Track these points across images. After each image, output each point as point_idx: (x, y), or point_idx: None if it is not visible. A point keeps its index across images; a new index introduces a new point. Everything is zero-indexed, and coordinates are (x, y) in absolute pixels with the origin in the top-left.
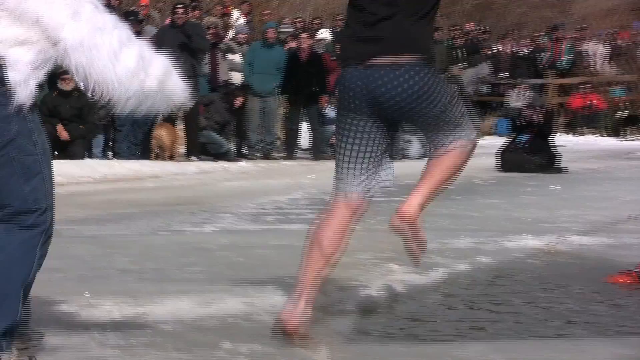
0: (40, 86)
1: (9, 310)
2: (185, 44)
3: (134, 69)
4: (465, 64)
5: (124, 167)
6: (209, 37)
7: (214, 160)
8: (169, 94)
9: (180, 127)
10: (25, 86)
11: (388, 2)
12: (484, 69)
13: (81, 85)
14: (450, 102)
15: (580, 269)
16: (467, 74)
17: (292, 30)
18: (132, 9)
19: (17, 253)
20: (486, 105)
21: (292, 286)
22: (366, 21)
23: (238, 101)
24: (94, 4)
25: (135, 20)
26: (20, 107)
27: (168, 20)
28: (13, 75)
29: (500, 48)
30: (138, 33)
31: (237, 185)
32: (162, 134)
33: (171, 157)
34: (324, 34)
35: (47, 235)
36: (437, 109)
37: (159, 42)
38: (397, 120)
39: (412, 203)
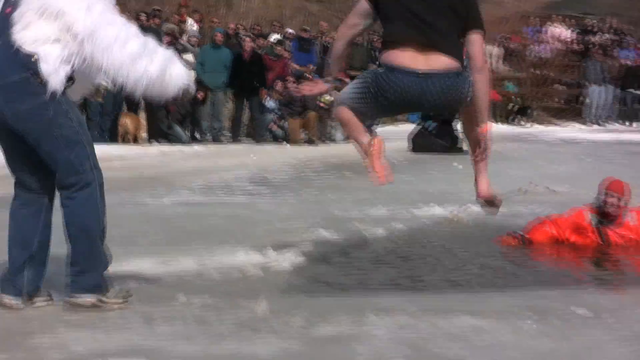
0: (69, 77)
1: (100, 257)
2: None
3: (137, 54)
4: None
5: (96, 150)
6: (164, 40)
7: (172, 144)
8: (171, 81)
9: (143, 115)
10: (56, 76)
11: None
12: None
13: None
14: None
15: (480, 233)
16: None
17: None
18: None
19: (84, 211)
20: None
21: (238, 249)
22: None
23: (200, 95)
24: (105, 3)
25: None
26: (53, 94)
27: None
28: (45, 68)
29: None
30: None
31: (191, 164)
32: (126, 121)
33: (135, 141)
34: (275, 37)
35: (100, 185)
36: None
37: None
38: None
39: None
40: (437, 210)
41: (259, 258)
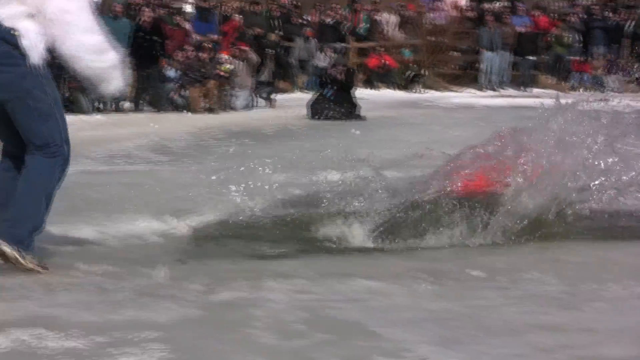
0: (49, 50)
1: (35, 218)
2: None
3: (92, 49)
4: (280, 31)
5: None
6: None
7: (74, 114)
8: (109, 84)
9: None
10: (35, 50)
11: None
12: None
13: None
14: None
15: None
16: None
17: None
18: None
19: (40, 171)
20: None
21: (138, 217)
22: None
23: None
24: None
25: None
26: (33, 66)
27: None
28: (25, 42)
29: (310, 18)
30: None
31: (93, 134)
32: None
33: None
34: (187, 8)
35: (66, 163)
36: None
37: None
38: None
39: None
40: (335, 176)
41: (159, 225)
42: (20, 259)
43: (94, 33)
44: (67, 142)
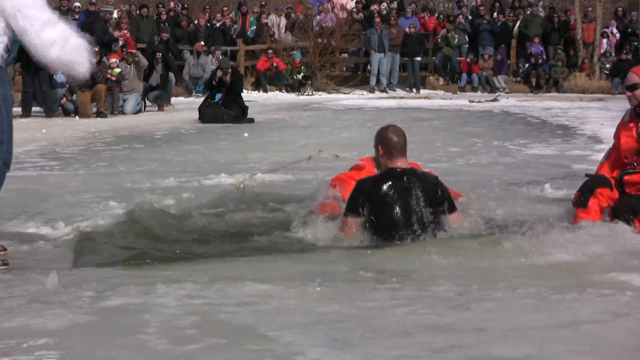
0: (7, 50)
1: None
2: None
3: (55, 40)
4: (168, 35)
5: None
6: None
7: None
8: (75, 66)
9: None
10: None
11: None
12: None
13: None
14: None
15: (265, 200)
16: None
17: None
18: None
19: None
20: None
21: (29, 223)
22: None
23: None
24: None
25: None
26: None
27: None
28: None
29: (199, 21)
30: None
31: None
32: None
33: None
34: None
35: (4, 164)
36: None
37: None
38: None
39: None
40: (225, 179)
41: (50, 231)
42: None
43: (55, 23)
44: (7, 144)
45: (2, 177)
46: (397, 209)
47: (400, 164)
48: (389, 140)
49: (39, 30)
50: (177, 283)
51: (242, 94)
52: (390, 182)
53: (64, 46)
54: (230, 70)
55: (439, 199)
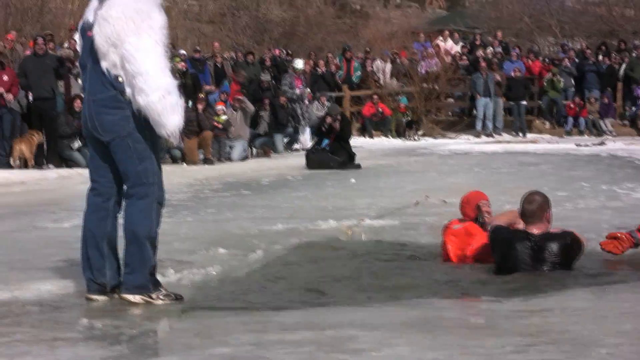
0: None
1: (147, 257)
2: (47, 69)
3: (158, 87)
4: (272, 81)
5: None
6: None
7: (71, 168)
8: (163, 120)
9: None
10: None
11: None
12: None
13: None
14: None
15: (375, 246)
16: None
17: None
18: None
19: (138, 217)
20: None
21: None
22: None
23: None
24: (152, 34)
25: None
26: (135, 111)
27: (28, 52)
28: (128, 89)
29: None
30: (1, 63)
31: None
32: (22, 147)
33: (27, 166)
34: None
35: (159, 202)
36: None
37: (24, 68)
38: None
39: None
40: (334, 225)
41: (160, 279)
42: (149, 300)
43: (166, 74)
44: (160, 185)
45: (159, 215)
46: (523, 265)
47: (533, 229)
48: (522, 207)
49: (148, 74)
50: (289, 330)
51: (350, 140)
52: (517, 244)
53: (163, 98)
54: (339, 117)
55: (570, 257)
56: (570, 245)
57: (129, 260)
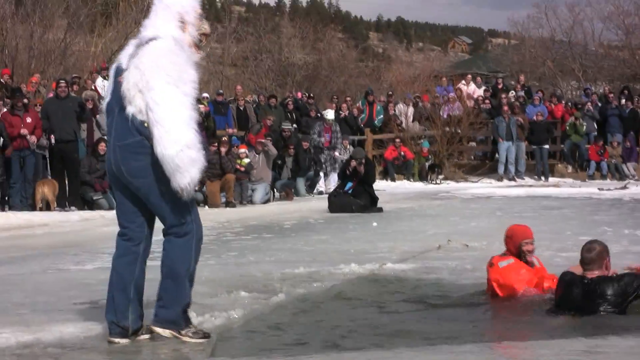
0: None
1: (182, 298)
2: (69, 112)
3: (179, 140)
4: (294, 125)
5: (18, 218)
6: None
7: (93, 210)
8: (179, 174)
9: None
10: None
11: None
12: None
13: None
14: None
15: (397, 290)
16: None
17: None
18: (19, 85)
19: (177, 254)
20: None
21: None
22: None
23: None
24: (181, 86)
25: (20, 95)
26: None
27: (51, 94)
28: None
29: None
30: (25, 105)
31: (113, 229)
32: (44, 190)
33: (49, 208)
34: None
35: (198, 239)
36: None
37: (46, 111)
38: None
39: None
40: (356, 269)
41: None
42: (177, 336)
43: (190, 127)
44: (196, 221)
45: (198, 250)
46: (576, 306)
47: (588, 274)
48: (582, 255)
49: (169, 126)
50: None
51: (373, 184)
52: (573, 286)
53: (182, 152)
54: (364, 160)
55: (628, 295)
56: (625, 286)
57: (163, 294)
